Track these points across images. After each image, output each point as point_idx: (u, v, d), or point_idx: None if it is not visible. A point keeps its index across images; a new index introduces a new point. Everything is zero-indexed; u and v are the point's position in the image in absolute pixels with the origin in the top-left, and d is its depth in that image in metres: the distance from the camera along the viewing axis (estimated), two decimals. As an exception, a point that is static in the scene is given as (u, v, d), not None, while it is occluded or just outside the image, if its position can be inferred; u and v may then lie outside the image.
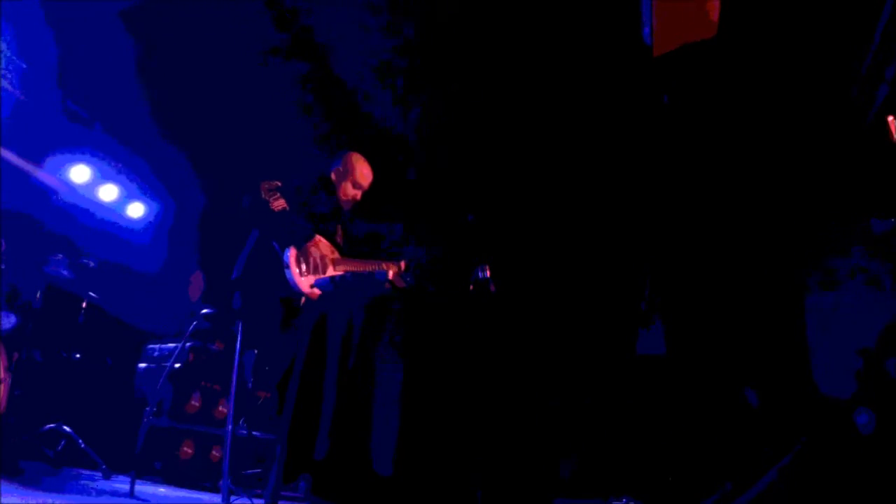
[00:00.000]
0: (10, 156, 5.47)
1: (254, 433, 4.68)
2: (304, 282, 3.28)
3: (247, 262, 3.43)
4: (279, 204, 3.31)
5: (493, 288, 3.45)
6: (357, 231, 3.69)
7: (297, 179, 3.56)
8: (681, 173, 5.33)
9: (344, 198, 3.64)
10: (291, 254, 3.28)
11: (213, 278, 6.07)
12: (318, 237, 3.45)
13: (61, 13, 5.05)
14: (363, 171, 3.67)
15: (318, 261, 3.34)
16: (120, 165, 6.36)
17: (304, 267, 3.29)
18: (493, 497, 4.51)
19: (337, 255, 3.50)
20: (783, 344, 5.12)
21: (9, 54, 5.13)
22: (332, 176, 3.67)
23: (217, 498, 3.50)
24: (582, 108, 5.35)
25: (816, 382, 5.12)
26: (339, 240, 3.58)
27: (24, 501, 2.74)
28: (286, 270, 3.26)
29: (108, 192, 6.43)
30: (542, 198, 5.56)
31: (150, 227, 6.81)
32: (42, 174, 5.86)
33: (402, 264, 3.54)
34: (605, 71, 5.17)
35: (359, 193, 3.67)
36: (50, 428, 4.39)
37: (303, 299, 3.31)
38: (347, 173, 3.64)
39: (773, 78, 4.88)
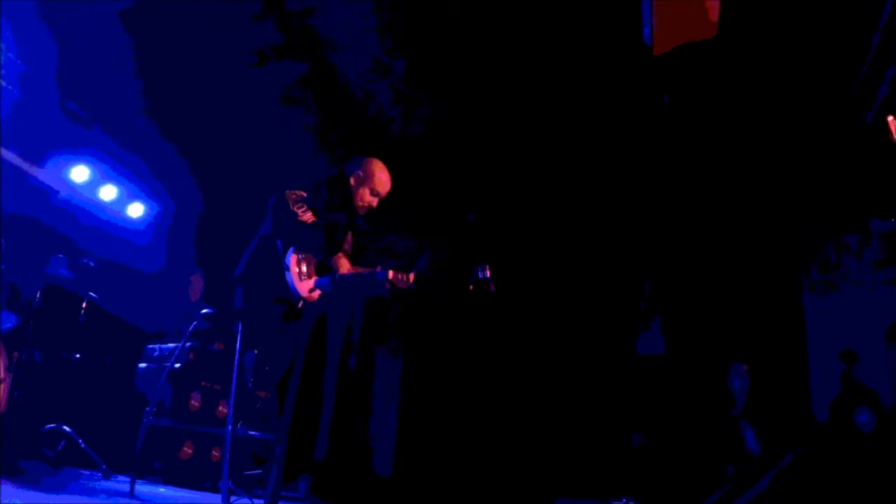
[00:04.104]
0: (10, 156, 5.47)
1: (254, 433, 4.67)
2: (304, 285, 3.27)
3: (249, 261, 3.42)
4: (308, 217, 3.31)
5: (493, 288, 3.44)
6: (367, 241, 3.67)
7: (302, 181, 3.53)
8: (681, 173, 5.33)
9: (360, 203, 3.58)
10: (292, 258, 3.27)
11: (212, 278, 6.07)
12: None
13: (61, 13, 5.04)
14: (382, 179, 3.61)
15: (321, 266, 3.34)
16: (120, 165, 6.35)
17: (304, 271, 3.28)
18: (493, 497, 4.51)
19: (345, 262, 3.50)
20: (783, 344, 5.12)
21: (8, 54, 5.12)
22: (351, 180, 3.61)
23: (217, 498, 3.49)
24: (582, 108, 5.35)
25: (816, 382, 5.12)
26: (347, 247, 3.56)
27: (24, 501, 2.73)
28: (286, 273, 3.24)
29: (108, 192, 6.43)
30: (542, 198, 5.56)
31: (150, 227, 6.81)
32: (42, 174, 5.86)
33: (412, 276, 3.52)
34: (605, 71, 5.17)
35: (375, 201, 3.62)
36: (50, 428, 4.39)
37: (301, 302, 3.29)
38: (367, 179, 3.57)
39: (773, 78, 4.88)
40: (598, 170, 5.48)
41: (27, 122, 5.48)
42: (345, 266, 3.44)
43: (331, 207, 3.48)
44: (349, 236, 3.57)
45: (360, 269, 3.49)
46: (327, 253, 3.40)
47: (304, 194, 3.33)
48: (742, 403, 4.67)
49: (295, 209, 3.27)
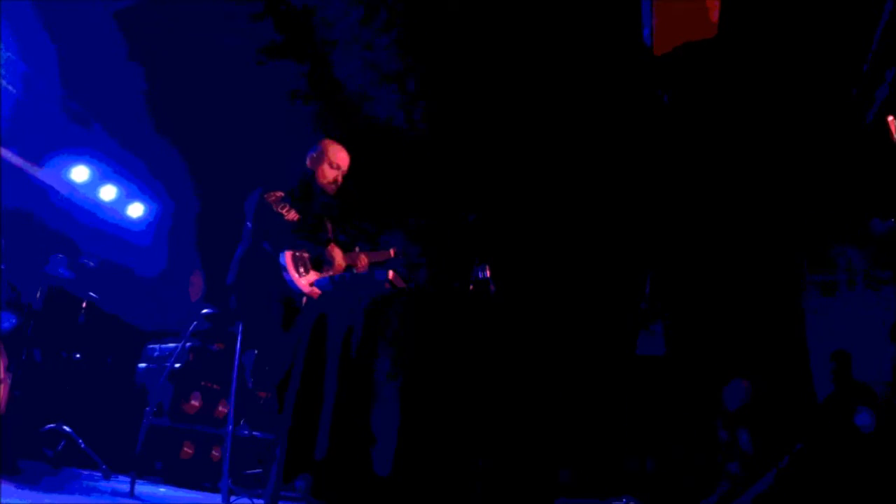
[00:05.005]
0: (10, 156, 5.47)
1: (254, 433, 4.67)
2: (304, 282, 3.28)
3: (240, 266, 3.42)
4: (293, 215, 3.32)
5: (493, 288, 3.45)
6: (345, 224, 3.67)
7: (278, 181, 3.53)
8: (681, 173, 5.33)
9: (323, 181, 3.59)
10: (287, 256, 3.28)
11: (213, 278, 6.07)
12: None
13: (61, 13, 5.04)
14: (336, 150, 3.64)
15: (315, 258, 3.35)
16: (120, 165, 6.35)
17: (301, 268, 3.30)
18: (493, 498, 4.51)
19: (338, 252, 3.50)
20: (783, 344, 5.12)
21: (9, 55, 5.12)
22: (308, 163, 3.63)
23: (217, 498, 3.49)
24: (582, 109, 5.36)
25: (817, 382, 5.11)
26: (330, 236, 3.57)
27: (24, 501, 2.73)
28: (284, 273, 3.25)
29: (108, 192, 6.43)
30: (542, 198, 5.56)
31: (150, 227, 6.81)
32: (42, 174, 5.86)
33: (392, 251, 3.54)
34: (605, 71, 5.17)
35: (339, 175, 3.62)
36: (50, 428, 4.39)
37: (304, 299, 3.31)
38: (322, 157, 3.60)
39: (774, 78, 4.88)
40: (598, 170, 5.48)
41: (27, 121, 5.48)
42: (338, 255, 3.44)
43: (305, 200, 3.49)
44: (328, 224, 3.57)
45: (353, 262, 3.49)
46: (319, 246, 3.40)
47: (283, 194, 3.33)
48: (735, 406, 4.68)
49: (279, 210, 3.28)
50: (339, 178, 3.64)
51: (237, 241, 3.52)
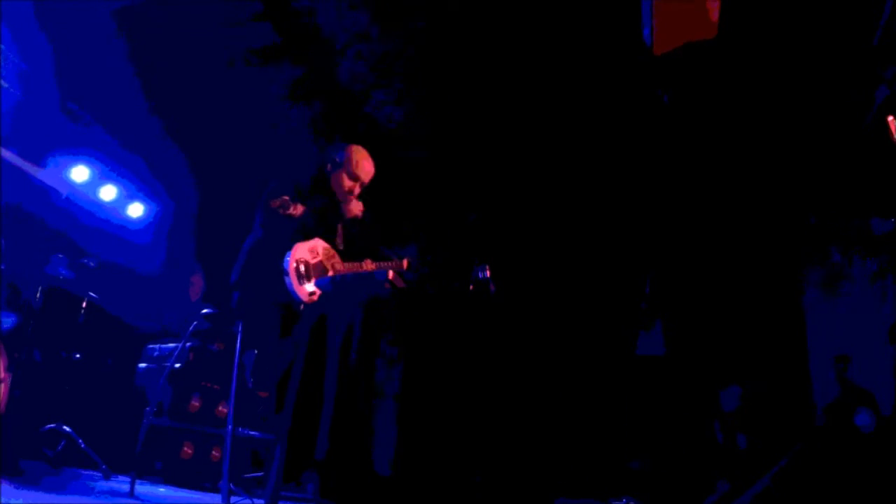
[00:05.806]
0: (10, 156, 5.47)
1: (254, 433, 4.67)
2: (303, 290, 3.25)
3: (244, 270, 3.40)
4: (299, 209, 3.29)
5: (493, 288, 3.44)
6: (358, 233, 3.62)
7: (297, 177, 3.50)
8: (681, 173, 5.33)
9: (338, 188, 3.51)
10: (290, 260, 3.24)
11: (213, 278, 6.07)
12: (317, 240, 3.42)
13: (61, 13, 5.05)
14: (360, 161, 3.52)
15: (318, 267, 3.32)
16: (120, 165, 6.36)
17: (303, 275, 3.27)
18: (493, 497, 4.51)
19: (337, 258, 3.48)
20: (783, 345, 5.12)
21: (8, 54, 5.12)
22: (328, 167, 3.53)
23: (217, 498, 3.49)
24: (582, 109, 5.36)
25: (816, 383, 5.12)
26: (338, 241, 3.53)
27: (24, 501, 2.73)
28: (285, 277, 3.22)
29: (108, 192, 6.43)
30: (542, 198, 5.56)
31: (150, 227, 6.81)
32: (42, 174, 5.86)
33: (406, 262, 3.48)
34: (605, 71, 5.17)
35: (356, 186, 3.52)
36: (50, 428, 4.39)
37: (302, 305, 3.27)
38: (345, 164, 3.50)
39: (774, 78, 4.88)
40: (598, 170, 5.48)
41: (27, 122, 5.48)
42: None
43: (316, 199, 3.45)
44: (339, 231, 3.51)
45: (359, 270, 3.46)
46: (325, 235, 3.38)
47: (287, 198, 3.28)
48: (731, 407, 4.68)
49: (284, 213, 3.25)
50: (357, 190, 3.53)
51: (237, 240, 3.50)
